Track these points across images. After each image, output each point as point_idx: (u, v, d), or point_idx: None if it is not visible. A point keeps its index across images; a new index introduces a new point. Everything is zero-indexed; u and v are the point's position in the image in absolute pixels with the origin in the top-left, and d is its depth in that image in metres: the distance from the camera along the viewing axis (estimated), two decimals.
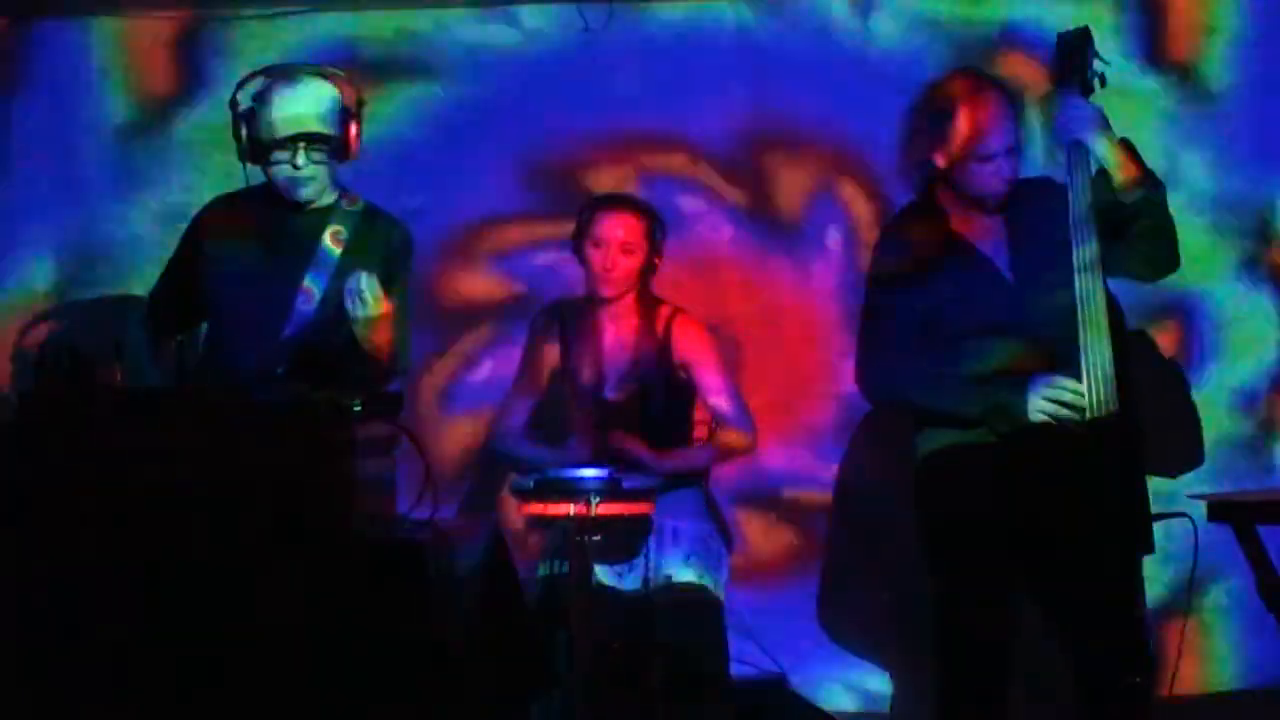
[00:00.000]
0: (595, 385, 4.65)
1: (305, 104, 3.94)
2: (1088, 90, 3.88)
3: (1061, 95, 3.90)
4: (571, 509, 4.16)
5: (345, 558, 3.19)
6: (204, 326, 4.18)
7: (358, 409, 3.27)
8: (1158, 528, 3.93)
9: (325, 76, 4.01)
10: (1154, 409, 4.04)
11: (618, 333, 4.68)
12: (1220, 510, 3.98)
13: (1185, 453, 4.81)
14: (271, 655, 3.15)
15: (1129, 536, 3.88)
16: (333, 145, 3.99)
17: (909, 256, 4.02)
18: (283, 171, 3.99)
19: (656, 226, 4.65)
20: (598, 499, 4.15)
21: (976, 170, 3.93)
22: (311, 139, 3.94)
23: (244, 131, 3.98)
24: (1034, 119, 4.32)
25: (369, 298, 3.72)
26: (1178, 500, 4.14)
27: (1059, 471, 3.81)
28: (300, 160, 3.95)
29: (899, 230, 4.10)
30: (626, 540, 4.47)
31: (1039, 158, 4.44)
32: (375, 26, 5.16)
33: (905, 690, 4.97)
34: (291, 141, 3.94)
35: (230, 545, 3.17)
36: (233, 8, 5.14)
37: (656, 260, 4.66)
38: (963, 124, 3.90)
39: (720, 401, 4.66)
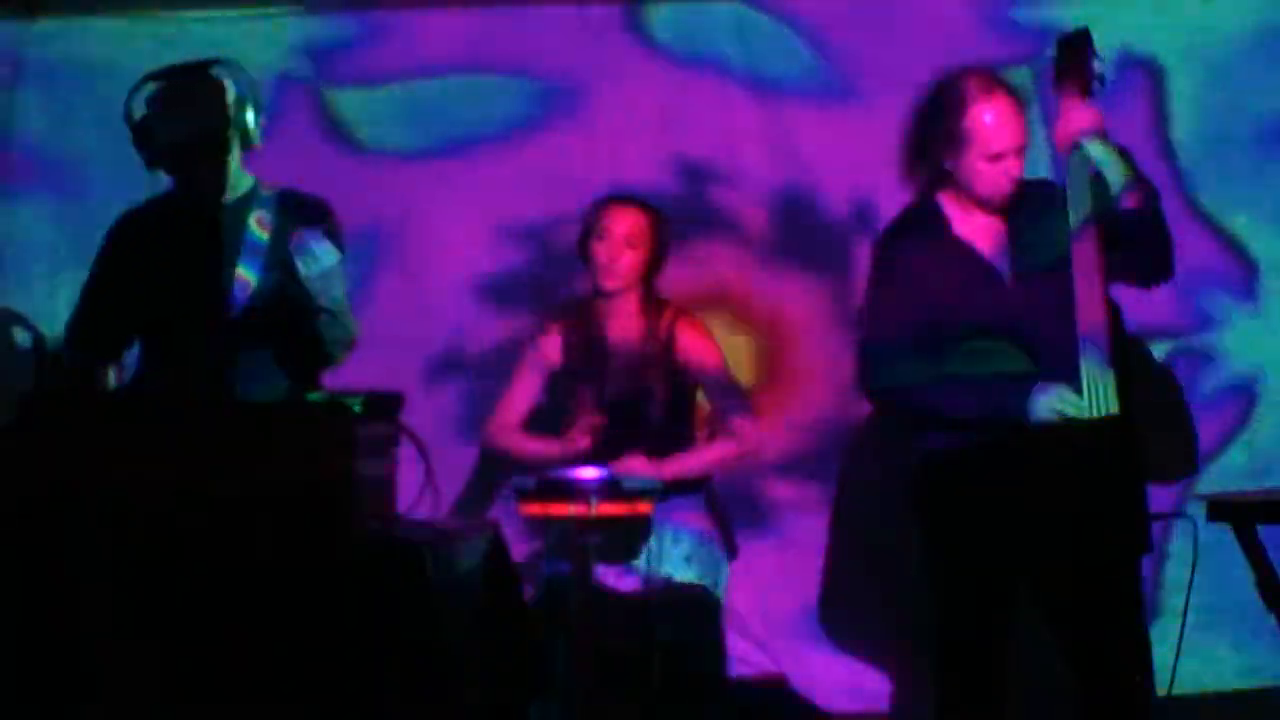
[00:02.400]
0: (597, 385, 4.65)
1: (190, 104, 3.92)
2: (1088, 91, 3.88)
3: (1061, 97, 3.90)
4: (571, 509, 4.16)
5: (345, 558, 3.19)
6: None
7: (358, 409, 3.27)
8: (1157, 528, 3.93)
9: (212, 73, 3.99)
10: (1150, 416, 4.04)
11: (620, 332, 4.69)
12: (1220, 510, 3.98)
13: (1181, 460, 4.81)
14: (271, 655, 3.15)
15: (1128, 536, 3.88)
16: (227, 139, 3.97)
17: (910, 257, 4.02)
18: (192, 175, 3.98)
19: (661, 224, 4.67)
20: (598, 499, 4.15)
21: (984, 170, 3.93)
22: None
23: (145, 140, 3.94)
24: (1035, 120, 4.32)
25: (319, 251, 3.71)
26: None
27: (1058, 472, 3.81)
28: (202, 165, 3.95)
29: (900, 231, 4.10)
30: (626, 540, 4.47)
31: (1039, 159, 4.44)
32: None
33: (905, 690, 4.97)
34: (193, 147, 3.93)
35: (230, 546, 3.17)
36: (231, 7, 5.14)
37: (661, 259, 4.68)
38: (972, 123, 3.90)
39: (724, 404, 4.67)
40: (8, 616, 3.19)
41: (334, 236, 3.78)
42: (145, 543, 3.17)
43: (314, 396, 3.37)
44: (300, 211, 4.01)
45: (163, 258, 3.99)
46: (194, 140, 3.90)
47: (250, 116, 3.96)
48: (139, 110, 3.93)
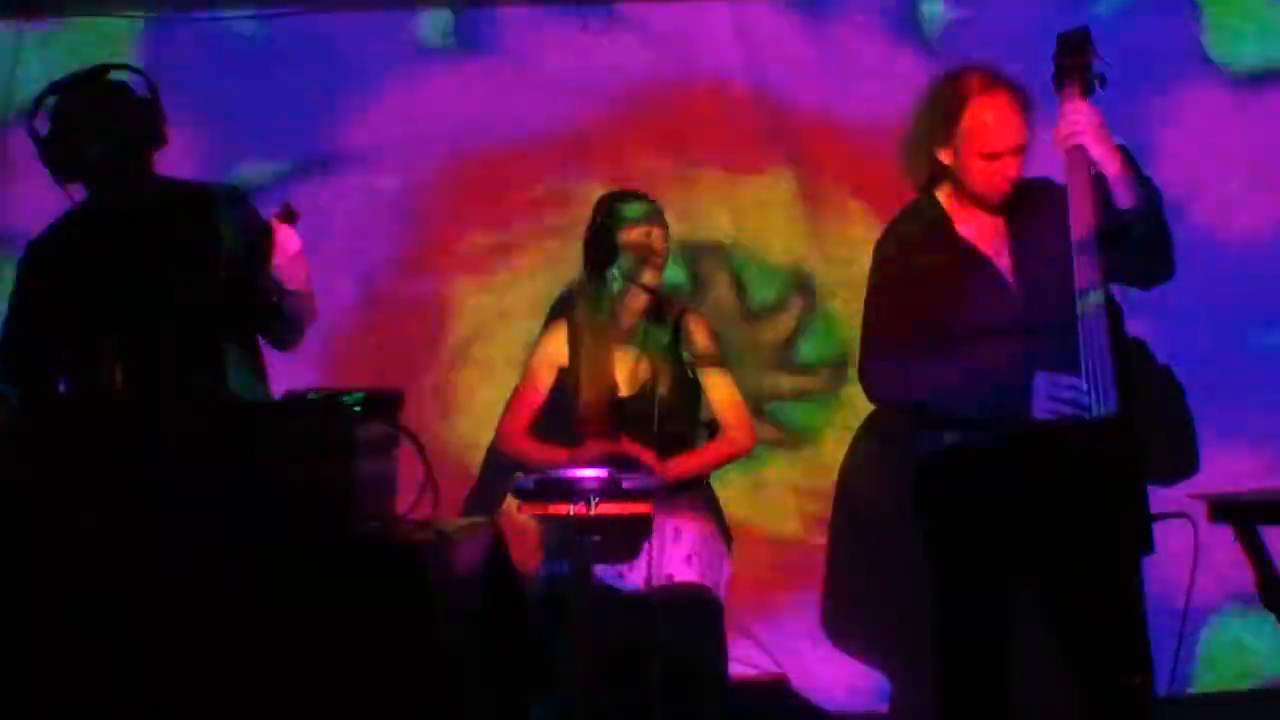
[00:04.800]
0: (606, 381, 4.66)
1: (104, 114, 3.87)
2: (1088, 90, 3.88)
3: (1062, 97, 3.90)
4: (571, 509, 4.16)
5: (345, 558, 3.19)
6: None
7: (358, 409, 3.27)
8: (1157, 528, 3.93)
9: (110, 79, 3.94)
10: (1149, 417, 4.04)
11: (629, 327, 4.69)
12: (1221, 510, 3.98)
13: (1182, 461, 4.81)
14: (271, 655, 3.15)
15: (1129, 536, 3.88)
16: (144, 142, 3.93)
17: (910, 256, 4.02)
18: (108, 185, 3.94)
19: (663, 215, 4.71)
20: (598, 499, 4.15)
21: (983, 168, 3.93)
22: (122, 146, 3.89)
23: (55, 153, 3.89)
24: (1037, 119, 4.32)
25: (283, 239, 3.74)
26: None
27: (1060, 472, 3.81)
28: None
29: (901, 229, 4.10)
30: (626, 540, 4.48)
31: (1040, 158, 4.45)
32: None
33: (905, 690, 4.97)
34: (110, 156, 3.88)
35: (230, 545, 3.17)
36: (233, 8, 5.15)
37: (669, 251, 4.71)
38: (971, 121, 3.90)
39: (722, 403, 4.68)
40: (7, 616, 3.19)
41: (291, 221, 3.79)
42: (143, 543, 3.17)
43: (314, 396, 3.37)
44: (230, 202, 4.00)
45: (99, 269, 3.95)
46: (110, 149, 3.85)
47: (157, 116, 3.93)
48: (45, 125, 3.88)
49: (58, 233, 4.07)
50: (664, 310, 4.69)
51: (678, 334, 4.67)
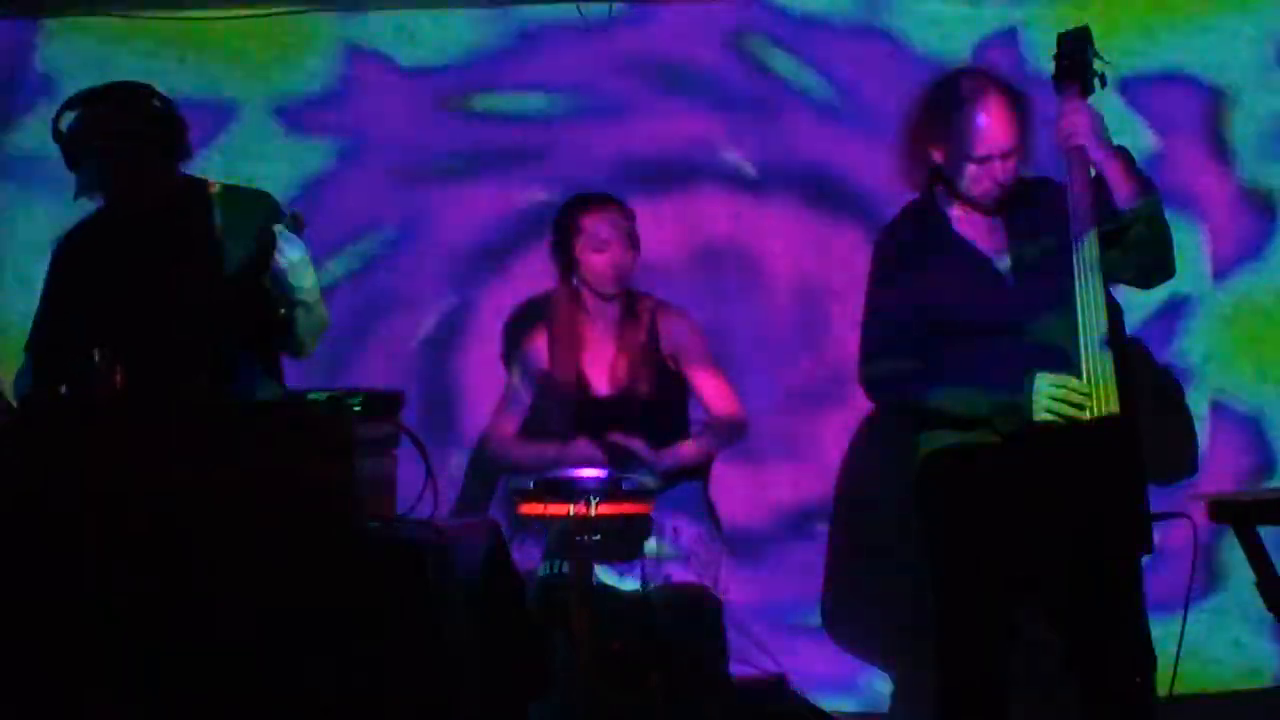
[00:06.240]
0: (586, 384, 4.66)
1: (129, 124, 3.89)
2: (1088, 90, 3.88)
3: (1061, 97, 3.90)
4: (571, 509, 4.17)
5: (345, 558, 3.20)
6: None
7: (358, 409, 3.28)
8: (1157, 528, 3.93)
9: (129, 95, 3.94)
10: (1149, 417, 4.04)
11: (604, 329, 4.70)
12: (1220, 510, 3.98)
13: (1181, 461, 4.82)
14: (271, 655, 3.15)
15: (1129, 536, 3.89)
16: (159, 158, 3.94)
17: (910, 256, 4.02)
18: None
19: (634, 220, 4.69)
20: (597, 499, 4.15)
21: (971, 171, 3.93)
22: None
23: (74, 166, 3.89)
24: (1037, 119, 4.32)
25: (286, 245, 3.74)
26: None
27: (1059, 472, 3.81)
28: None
29: (900, 229, 4.10)
30: (626, 540, 4.48)
31: (1040, 158, 4.45)
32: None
33: (905, 690, 4.97)
34: (118, 172, 3.87)
35: (230, 545, 3.17)
36: (232, 8, 5.14)
37: (639, 252, 4.70)
38: (962, 123, 3.90)
39: (709, 390, 4.69)
40: (7, 616, 3.19)
41: (297, 229, 3.79)
42: (145, 543, 3.17)
43: (314, 396, 3.37)
44: (244, 207, 4.01)
45: (117, 271, 3.96)
46: (118, 165, 3.85)
47: (174, 132, 3.93)
48: (63, 138, 3.88)
49: (80, 233, 4.09)
50: (637, 309, 4.69)
51: (654, 331, 4.68)
